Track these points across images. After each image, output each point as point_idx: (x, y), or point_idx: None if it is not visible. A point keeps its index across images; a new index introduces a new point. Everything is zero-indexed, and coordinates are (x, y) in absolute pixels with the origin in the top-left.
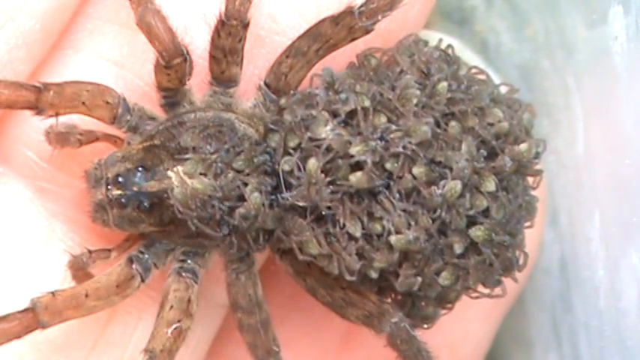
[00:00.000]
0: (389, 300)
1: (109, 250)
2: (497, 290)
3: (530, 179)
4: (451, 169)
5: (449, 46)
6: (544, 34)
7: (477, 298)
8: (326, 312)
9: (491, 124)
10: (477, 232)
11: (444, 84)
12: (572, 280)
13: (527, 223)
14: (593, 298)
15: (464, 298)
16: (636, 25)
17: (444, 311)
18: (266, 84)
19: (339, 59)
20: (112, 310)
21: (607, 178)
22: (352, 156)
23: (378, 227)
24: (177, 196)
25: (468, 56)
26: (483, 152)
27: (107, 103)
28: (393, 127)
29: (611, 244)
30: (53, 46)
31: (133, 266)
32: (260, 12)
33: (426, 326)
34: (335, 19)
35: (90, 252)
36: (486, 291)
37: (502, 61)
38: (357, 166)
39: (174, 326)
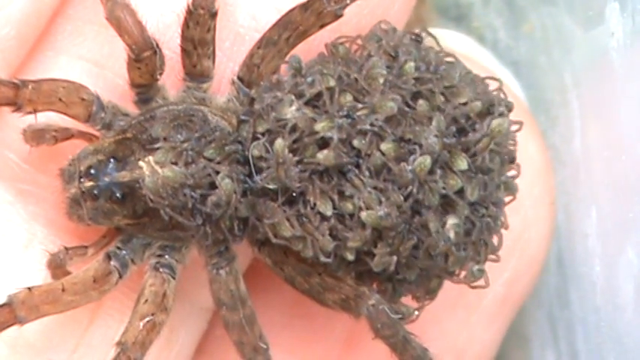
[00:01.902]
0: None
1: (86, 247)
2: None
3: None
4: (420, 146)
5: (421, 31)
6: (541, 30)
7: (458, 283)
8: (328, 317)
9: (462, 104)
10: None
11: (411, 64)
12: (569, 276)
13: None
14: (590, 294)
15: (469, 302)
16: (633, 21)
17: (427, 302)
18: (239, 78)
19: (315, 53)
20: (94, 312)
21: (604, 174)
22: (318, 133)
23: (349, 206)
24: (149, 184)
25: (478, 51)
26: (453, 129)
27: (83, 99)
28: (359, 105)
29: (608, 240)
30: (33, 48)
31: (111, 262)
32: (240, 10)
33: (416, 313)
34: (304, 6)
35: (67, 249)
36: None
37: (499, 58)
38: (325, 144)
39: (147, 319)
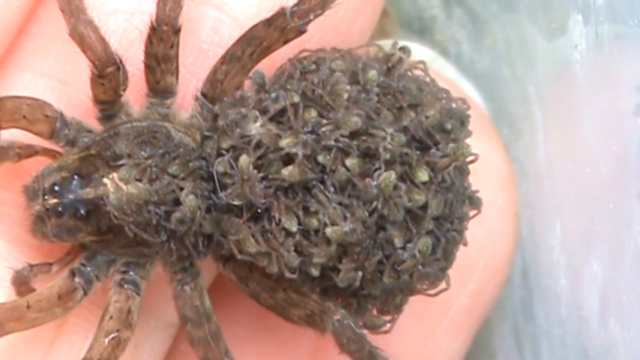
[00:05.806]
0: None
1: (50, 264)
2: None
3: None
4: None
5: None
6: (504, 43)
7: (421, 294)
8: (293, 331)
9: (426, 117)
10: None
11: (375, 79)
12: (534, 289)
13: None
14: (555, 307)
15: (434, 314)
16: (595, 33)
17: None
18: (203, 94)
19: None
20: (58, 329)
21: (568, 186)
22: (282, 149)
23: (314, 222)
24: (113, 201)
25: (441, 64)
26: (417, 145)
27: (47, 116)
28: (324, 120)
29: (573, 252)
30: None
31: (75, 279)
32: (203, 25)
33: (388, 325)
34: (268, 22)
35: (31, 266)
36: (433, 291)
37: (462, 71)
38: (289, 161)
39: (112, 336)
